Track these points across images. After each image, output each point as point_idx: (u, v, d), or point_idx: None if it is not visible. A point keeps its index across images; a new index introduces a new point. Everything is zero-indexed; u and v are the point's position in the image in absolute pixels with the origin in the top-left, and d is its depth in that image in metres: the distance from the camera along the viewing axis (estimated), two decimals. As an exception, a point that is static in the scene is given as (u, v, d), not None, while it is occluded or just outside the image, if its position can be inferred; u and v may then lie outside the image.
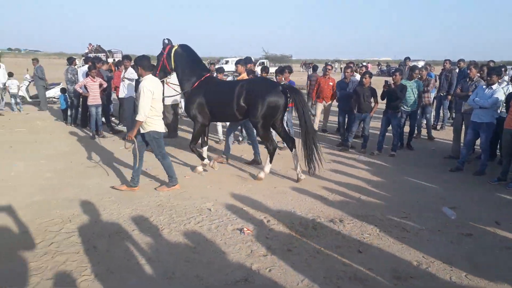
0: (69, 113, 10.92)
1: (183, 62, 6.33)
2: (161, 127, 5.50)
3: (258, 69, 13.53)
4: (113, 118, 11.45)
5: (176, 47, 6.32)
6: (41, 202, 5.15)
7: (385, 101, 8.00)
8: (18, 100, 13.24)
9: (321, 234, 4.33)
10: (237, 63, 7.92)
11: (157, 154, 5.56)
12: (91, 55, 21.23)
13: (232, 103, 6.01)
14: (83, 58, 17.84)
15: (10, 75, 13.14)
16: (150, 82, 5.24)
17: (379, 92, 8.10)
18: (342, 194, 5.68)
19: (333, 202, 5.36)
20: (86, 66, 10.24)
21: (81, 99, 10.31)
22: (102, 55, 23.07)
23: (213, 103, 6.18)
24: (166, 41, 6.33)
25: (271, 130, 6.39)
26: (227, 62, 42.65)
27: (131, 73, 8.73)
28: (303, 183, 6.09)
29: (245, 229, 4.37)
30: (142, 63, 5.30)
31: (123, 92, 8.99)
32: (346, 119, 9.03)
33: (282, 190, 5.79)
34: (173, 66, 6.34)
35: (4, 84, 12.57)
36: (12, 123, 10.96)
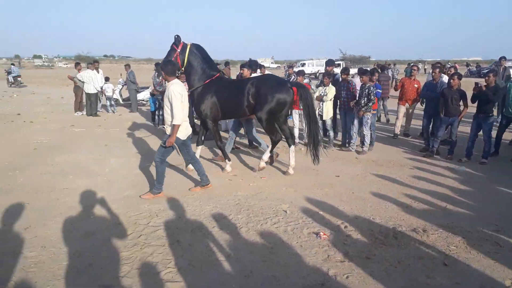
0: (157, 114, 11.72)
1: (196, 61, 6.46)
2: (183, 134, 5.48)
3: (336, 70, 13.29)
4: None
5: (190, 46, 6.43)
6: (131, 196, 5.60)
7: (475, 104, 7.43)
8: (113, 103, 14.55)
9: (402, 243, 4.14)
10: (242, 67, 7.94)
11: (157, 158, 5.45)
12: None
13: (243, 100, 6.29)
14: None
15: (107, 79, 14.45)
16: (178, 86, 5.29)
17: (469, 94, 7.53)
18: (426, 202, 5.38)
19: (416, 210, 5.10)
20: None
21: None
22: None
23: (224, 102, 6.39)
24: (178, 38, 6.38)
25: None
26: (303, 64, 42.55)
27: None
28: (383, 189, 5.89)
29: (321, 233, 4.34)
30: (166, 69, 5.34)
31: None
32: (431, 123, 8.50)
33: (361, 196, 5.64)
34: (185, 64, 6.43)
35: (101, 88, 13.85)
36: (107, 123, 12.05)
